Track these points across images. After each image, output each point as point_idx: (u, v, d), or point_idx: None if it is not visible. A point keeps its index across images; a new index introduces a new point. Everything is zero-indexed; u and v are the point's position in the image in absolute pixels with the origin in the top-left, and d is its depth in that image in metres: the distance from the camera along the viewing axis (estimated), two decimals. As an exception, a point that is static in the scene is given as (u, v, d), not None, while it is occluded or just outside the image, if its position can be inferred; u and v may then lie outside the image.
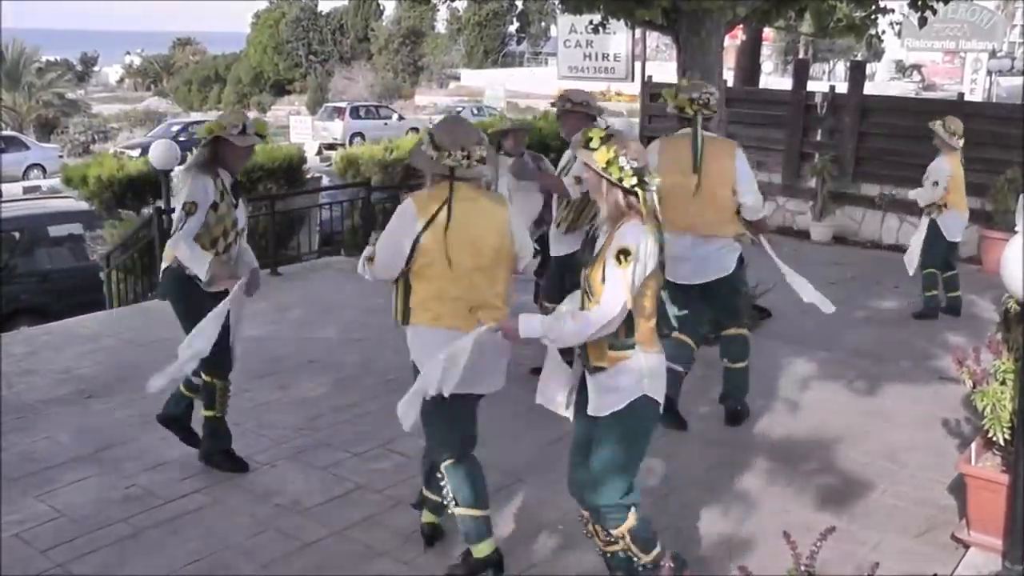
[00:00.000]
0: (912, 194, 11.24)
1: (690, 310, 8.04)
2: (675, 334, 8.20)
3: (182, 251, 6.61)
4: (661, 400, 5.01)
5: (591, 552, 5.83)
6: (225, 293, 6.80)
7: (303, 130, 47.18)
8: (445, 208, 5.24)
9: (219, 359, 6.89)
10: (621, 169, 4.63)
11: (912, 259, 11.14)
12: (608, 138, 4.74)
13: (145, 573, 5.77)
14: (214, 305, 6.66)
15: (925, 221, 11.16)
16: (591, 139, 4.77)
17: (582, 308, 4.87)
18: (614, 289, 4.69)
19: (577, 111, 8.04)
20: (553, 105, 8.39)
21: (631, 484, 5.07)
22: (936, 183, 10.91)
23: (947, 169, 10.91)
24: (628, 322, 4.81)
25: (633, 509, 5.06)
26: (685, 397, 8.48)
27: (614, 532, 5.08)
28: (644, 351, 4.90)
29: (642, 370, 4.89)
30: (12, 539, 6.13)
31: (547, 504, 6.55)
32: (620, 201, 4.74)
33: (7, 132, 45.06)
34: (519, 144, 8.98)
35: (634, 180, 4.66)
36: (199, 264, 6.58)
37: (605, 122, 8.16)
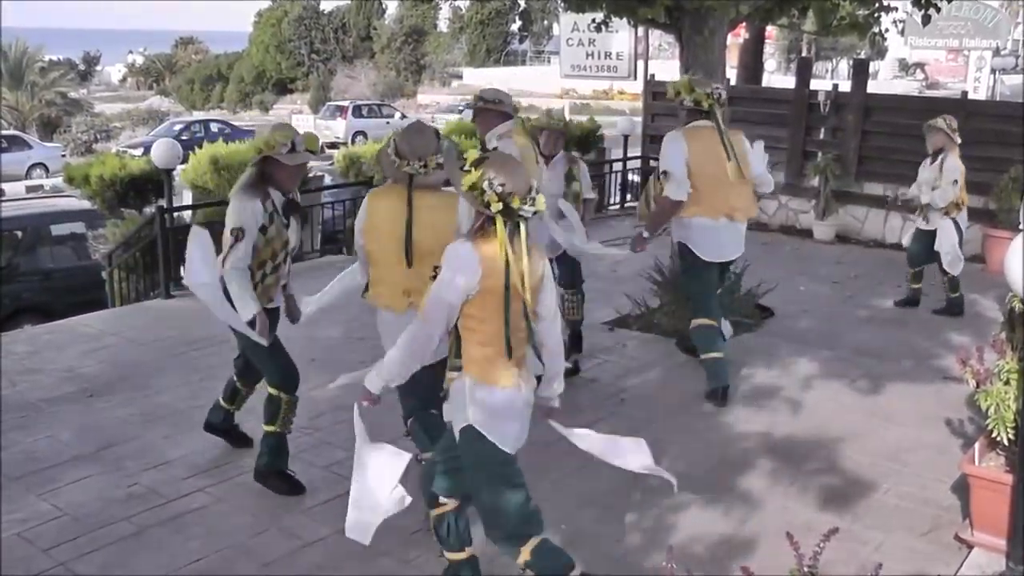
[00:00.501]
0: (933, 198, 11.01)
1: (710, 288, 8.39)
2: (696, 321, 8.41)
3: (232, 288, 6.48)
4: (499, 440, 4.83)
5: (592, 551, 5.86)
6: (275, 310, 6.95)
7: (305, 129, 47.15)
8: (391, 206, 5.89)
9: (288, 371, 6.94)
10: (483, 193, 4.58)
11: (956, 261, 11.04)
12: (481, 161, 4.72)
13: (147, 572, 5.77)
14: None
15: (946, 223, 11.00)
16: (467, 160, 4.79)
17: None
18: (424, 305, 4.84)
19: (491, 109, 8.01)
20: (469, 107, 8.57)
21: (516, 524, 5.02)
22: (955, 181, 10.84)
23: (960, 166, 10.88)
24: (457, 342, 4.85)
25: (520, 549, 4.99)
26: (687, 395, 8.51)
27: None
28: (473, 379, 4.78)
29: (465, 397, 4.79)
30: (14, 538, 6.14)
31: (546, 504, 6.51)
32: (478, 224, 4.74)
33: (10, 131, 45.10)
34: (554, 145, 8.91)
35: (499, 206, 4.58)
36: (245, 308, 6.50)
37: (520, 120, 8.51)
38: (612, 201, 18.94)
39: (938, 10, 11.59)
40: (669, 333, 9.93)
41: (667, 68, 21.46)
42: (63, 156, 40.44)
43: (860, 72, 16.80)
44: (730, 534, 6.22)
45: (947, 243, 10.98)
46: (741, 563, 4.40)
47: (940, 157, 10.90)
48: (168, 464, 7.20)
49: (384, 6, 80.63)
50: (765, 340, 10.13)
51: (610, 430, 7.13)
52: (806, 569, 4.04)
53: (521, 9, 79.40)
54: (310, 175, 16.32)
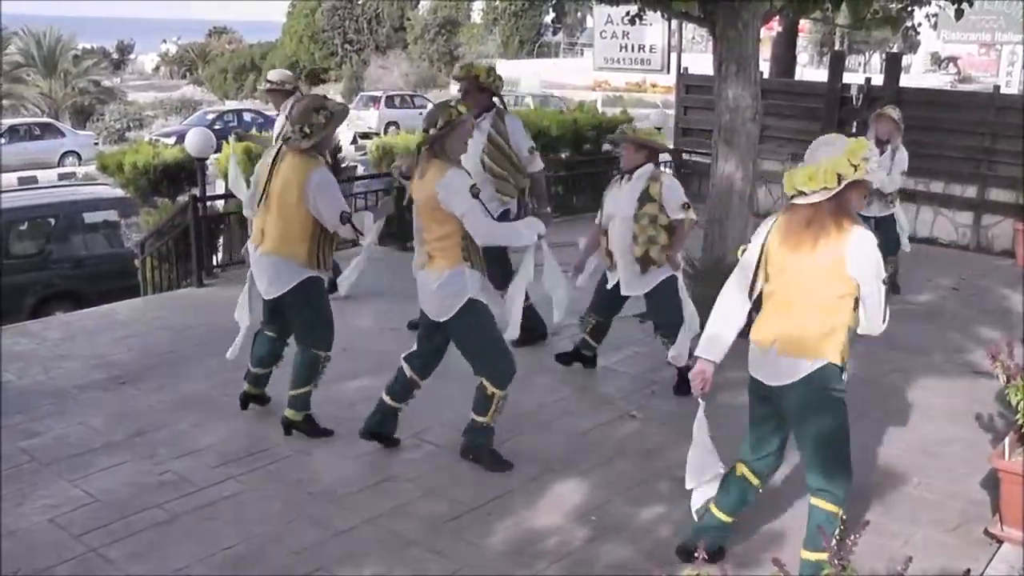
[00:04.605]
0: (884, 183, 11.33)
1: None
2: None
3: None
4: None
5: (622, 542, 5.87)
6: None
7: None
8: None
9: (507, 368, 6.89)
10: None
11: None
12: None
13: (178, 558, 5.81)
14: None
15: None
16: None
17: None
18: None
19: (278, 90, 10.59)
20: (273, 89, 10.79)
21: None
22: (904, 171, 11.41)
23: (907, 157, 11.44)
24: None
25: None
26: (716, 387, 8.47)
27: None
28: None
29: None
30: (46, 523, 6.19)
31: (578, 494, 6.55)
32: None
33: (43, 119, 45.32)
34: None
35: None
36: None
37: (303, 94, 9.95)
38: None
39: (971, 4, 11.52)
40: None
41: (700, 61, 21.41)
42: (96, 144, 40.58)
43: (893, 66, 16.71)
44: (761, 525, 6.21)
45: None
46: (773, 554, 4.40)
47: (891, 147, 11.18)
48: (199, 452, 7.24)
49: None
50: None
51: (641, 422, 7.17)
52: (838, 561, 4.03)
53: (555, 1, 79.23)
54: (343, 165, 16.35)
